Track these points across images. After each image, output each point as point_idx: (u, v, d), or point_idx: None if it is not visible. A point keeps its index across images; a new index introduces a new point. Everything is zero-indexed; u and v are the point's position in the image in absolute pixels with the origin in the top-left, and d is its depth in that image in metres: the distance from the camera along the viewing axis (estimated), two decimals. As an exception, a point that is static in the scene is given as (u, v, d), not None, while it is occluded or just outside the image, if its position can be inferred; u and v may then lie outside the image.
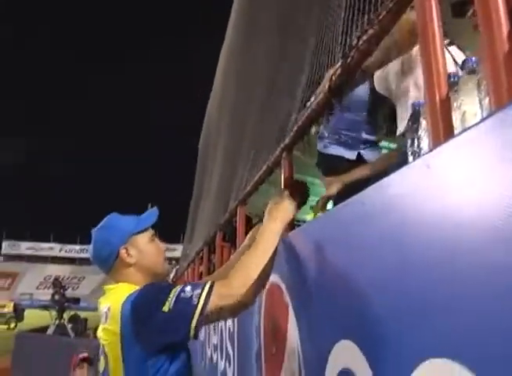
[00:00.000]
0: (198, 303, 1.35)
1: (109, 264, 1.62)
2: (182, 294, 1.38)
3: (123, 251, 1.61)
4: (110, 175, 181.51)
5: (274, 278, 1.94)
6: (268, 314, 2.10)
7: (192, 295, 1.38)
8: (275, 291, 1.94)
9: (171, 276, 12.50)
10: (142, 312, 1.39)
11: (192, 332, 1.36)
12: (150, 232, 1.69)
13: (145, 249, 1.64)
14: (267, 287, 2.03)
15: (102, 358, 1.53)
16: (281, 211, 1.60)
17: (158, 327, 1.36)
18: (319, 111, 1.95)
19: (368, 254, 1.07)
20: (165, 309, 1.35)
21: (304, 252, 1.59)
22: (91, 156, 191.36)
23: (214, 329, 4.38)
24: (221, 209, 5.11)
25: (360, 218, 1.12)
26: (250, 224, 4.17)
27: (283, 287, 1.82)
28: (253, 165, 3.26)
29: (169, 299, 1.37)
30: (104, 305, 1.56)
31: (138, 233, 1.65)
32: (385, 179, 1.02)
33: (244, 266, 1.45)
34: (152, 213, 1.73)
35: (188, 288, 1.41)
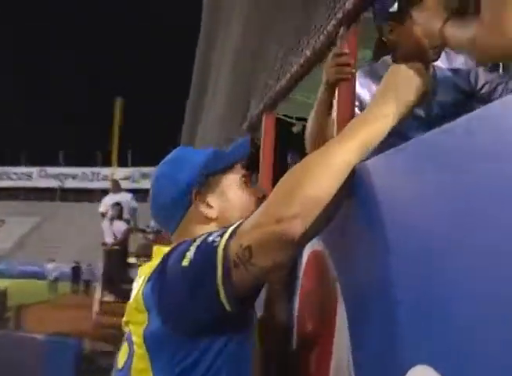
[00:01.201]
0: (219, 245, 1.41)
1: (176, 218, 1.75)
2: (209, 238, 1.47)
3: (199, 200, 1.73)
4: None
5: (319, 246, 1.91)
6: (305, 315, 2.08)
7: (216, 236, 1.45)
8: (318, 276, 1.92)
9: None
10: (163, 275, 1.52)
11: (221, 292, 1.40)
12: (240, 171, 1.81)
13: (233, 197, 1.76)
14: (303, 268, 2.05)
15: (125, 345, 1.67)
16: (404, 83, 1.50)
17: (178, 289, 1.47)
18: None
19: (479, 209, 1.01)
20: (185, 262, 1.45)
21: (371, 208, 1.49)
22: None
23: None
24: (235, 119, 5.08)
25: (465, 152, 1.07)
26: (289, 140, 4.35)
27: (334, 270, 1.78)
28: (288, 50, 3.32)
29: (191, 249, 1.46)
30: (143, 274, 1.67)
31: (222, 171, 1.77)
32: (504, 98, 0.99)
33: (294, 176, 1.41)
34: (241, 144, 1.86)
35: (217, 232, 1.49)
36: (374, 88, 2.42)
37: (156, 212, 1.82)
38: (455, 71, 2.51)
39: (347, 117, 2.27)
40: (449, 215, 1.10)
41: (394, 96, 1.46)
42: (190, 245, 1.48)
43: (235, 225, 1.44)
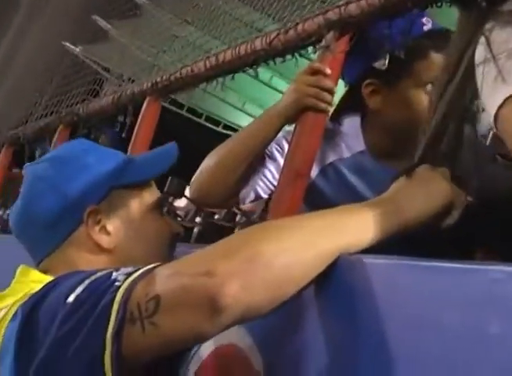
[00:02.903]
0: (121, 286, 1.08)
1: (54, 240, 1.39)
2: (113, 274, 1.14)
3: (92, 221, 1.38)
4: None
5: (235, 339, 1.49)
6: None
7: (123, 274, 1.13)
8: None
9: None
10: (36, 314, 1.15)
11: (107, 351, 1.02)
12: (156, 191, 1.51)
13: (141, 225, 1.44)
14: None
15: None
16: (423, 195, 1.20)
17: (51, 335, 1.10)
18: None
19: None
20: (71, 298, 1.11)
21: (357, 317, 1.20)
22: None
23: None
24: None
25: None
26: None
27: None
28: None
29: (85, 282, 1.13)
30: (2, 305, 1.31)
31: (132, 186, 1.45)
32: None
33: (248, 234, 1.15)
34: (165, 152, 1.57)
35: (124, 269, 1.16)
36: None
37: (23, 228, 1.43)
38: None
39: (304, 170, 1.75)
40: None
41: (399, 202, 1.19)
42: (87, 277, 1.13)
43: (152, 266, 1.12)
